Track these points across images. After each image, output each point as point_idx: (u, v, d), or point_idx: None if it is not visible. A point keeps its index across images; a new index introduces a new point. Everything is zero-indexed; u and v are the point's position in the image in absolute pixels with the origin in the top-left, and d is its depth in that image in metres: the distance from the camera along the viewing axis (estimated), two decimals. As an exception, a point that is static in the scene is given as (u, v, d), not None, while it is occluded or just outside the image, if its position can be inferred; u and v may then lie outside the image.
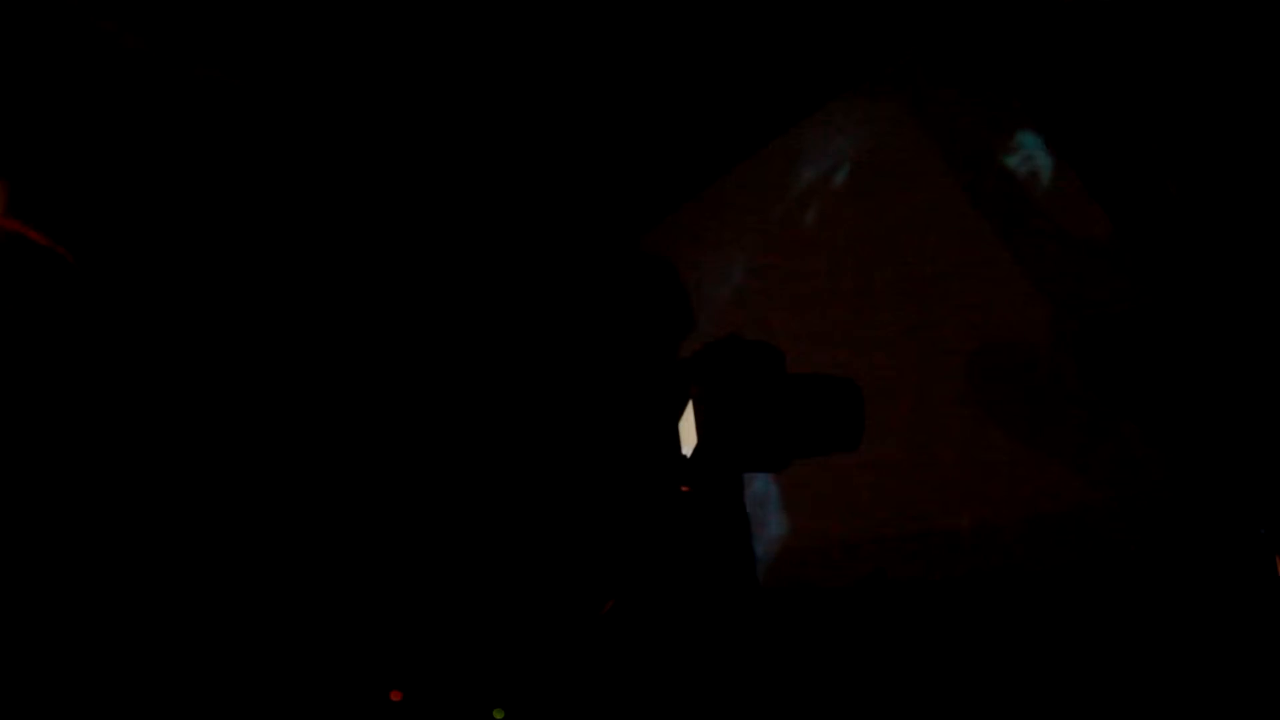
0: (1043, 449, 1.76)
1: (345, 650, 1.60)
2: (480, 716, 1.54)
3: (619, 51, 1.96)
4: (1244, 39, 1.56)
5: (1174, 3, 1.63)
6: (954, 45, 1.91)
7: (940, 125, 1.94)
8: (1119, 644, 1.57)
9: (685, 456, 1.35)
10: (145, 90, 1.68)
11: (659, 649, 1.54)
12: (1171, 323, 1.72)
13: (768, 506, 1.85)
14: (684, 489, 1.44)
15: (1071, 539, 1.69)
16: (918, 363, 1.85)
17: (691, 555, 1.52)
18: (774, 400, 1.36)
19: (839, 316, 1.91)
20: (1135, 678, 1.54)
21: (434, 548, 1.72)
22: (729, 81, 2.06)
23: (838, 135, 2.07)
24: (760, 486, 1.86)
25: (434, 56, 1.88)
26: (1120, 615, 1.60)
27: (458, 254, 2.02)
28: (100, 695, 1.41)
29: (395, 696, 1.56)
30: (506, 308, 1.99)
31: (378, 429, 1.80)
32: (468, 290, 1.99)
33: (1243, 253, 1.62)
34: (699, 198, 2.26)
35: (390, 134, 1.97)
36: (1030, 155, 1.89)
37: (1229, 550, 1.55)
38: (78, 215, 1.58)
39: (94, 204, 1.61)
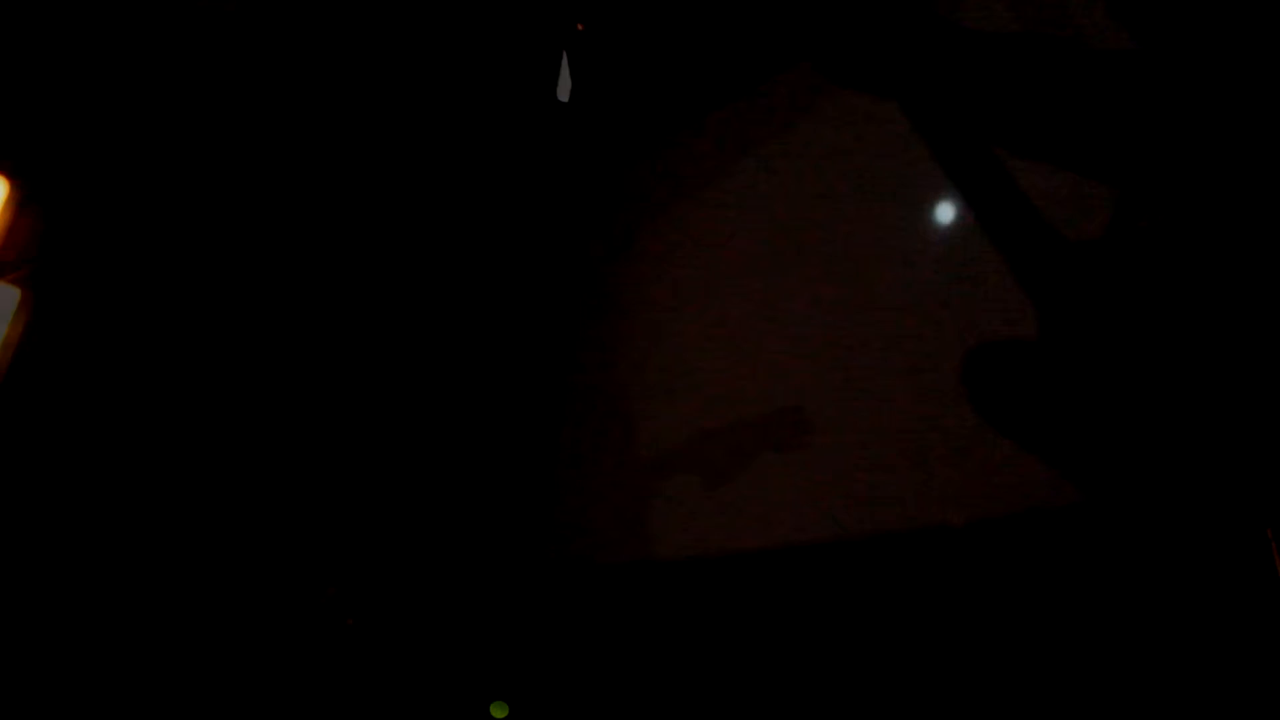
0: (1042, 449, 1.76)
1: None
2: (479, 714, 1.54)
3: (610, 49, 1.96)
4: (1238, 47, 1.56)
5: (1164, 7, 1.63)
6: (947, 43, 1.91)
7: (938, 125, 1.94)
8: (1119, 644, 1.57)
9: (562, 102, 1.26)
10: (144, 84, 1.69)
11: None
12: (1170, 322, 1.72)
13: (766, 505, 1.85)
14: (579, 26, 1.34)
15: (1071, 539, 1.69)
16: (916, 362, 1.85)
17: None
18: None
19: (838, 319, 1.91)
20: (1135, 678, 1.54)
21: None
22: (723, 81, 2.06)
23: (833, 136, 2.08)
24: (759, 485, 1.86)
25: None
26: (1120, 615, 1.59)
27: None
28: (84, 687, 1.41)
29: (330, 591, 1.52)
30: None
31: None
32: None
33: (1242, 249, 1.62)
34: (695, 200, 2.27)
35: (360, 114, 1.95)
36: (1026, 152, 1.90)
37: (1229, 550, 1.54)
38: (79, 211, 1.59)
39: (94, 199, 1.61)
